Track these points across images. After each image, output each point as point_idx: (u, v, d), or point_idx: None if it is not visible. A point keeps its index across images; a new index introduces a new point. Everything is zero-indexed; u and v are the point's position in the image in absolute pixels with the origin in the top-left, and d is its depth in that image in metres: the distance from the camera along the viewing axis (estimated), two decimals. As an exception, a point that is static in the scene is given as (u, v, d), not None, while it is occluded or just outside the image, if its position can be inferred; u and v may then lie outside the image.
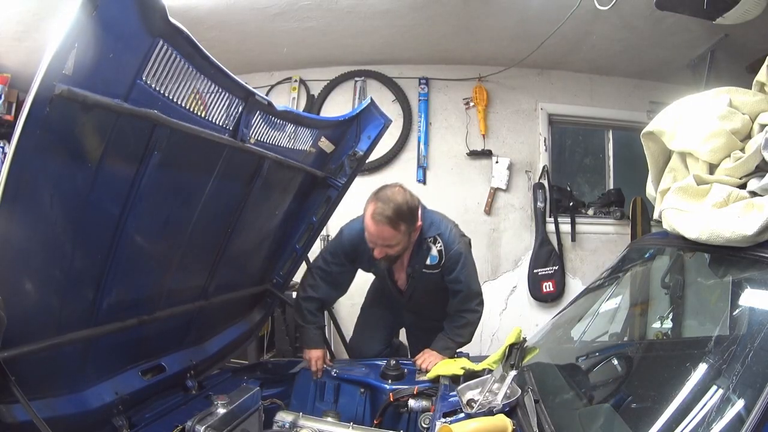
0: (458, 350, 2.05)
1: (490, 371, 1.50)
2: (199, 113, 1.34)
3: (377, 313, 2.39)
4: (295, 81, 3.81)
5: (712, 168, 1.32)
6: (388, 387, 1.81)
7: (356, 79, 3.78)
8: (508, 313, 3.74)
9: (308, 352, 1.99)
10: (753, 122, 1.30)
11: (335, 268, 2.04)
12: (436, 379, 1.73)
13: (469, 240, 2.17)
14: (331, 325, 3.25)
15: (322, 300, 2.09)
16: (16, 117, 3.30)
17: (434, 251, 1.95)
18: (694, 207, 1.27)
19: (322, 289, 2.06)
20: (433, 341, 2.02)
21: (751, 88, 1.40)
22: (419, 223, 1.88)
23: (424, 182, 3.75)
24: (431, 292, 2.09)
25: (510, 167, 3.75)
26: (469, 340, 2.06)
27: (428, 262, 1.97)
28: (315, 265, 2.09)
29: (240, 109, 1.46)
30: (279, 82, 3.83)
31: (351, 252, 2.01)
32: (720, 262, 1.26)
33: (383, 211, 1.74)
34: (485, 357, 1.69)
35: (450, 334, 2.02)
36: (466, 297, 2.01)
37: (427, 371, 1.84)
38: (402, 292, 2.14)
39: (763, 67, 1.34)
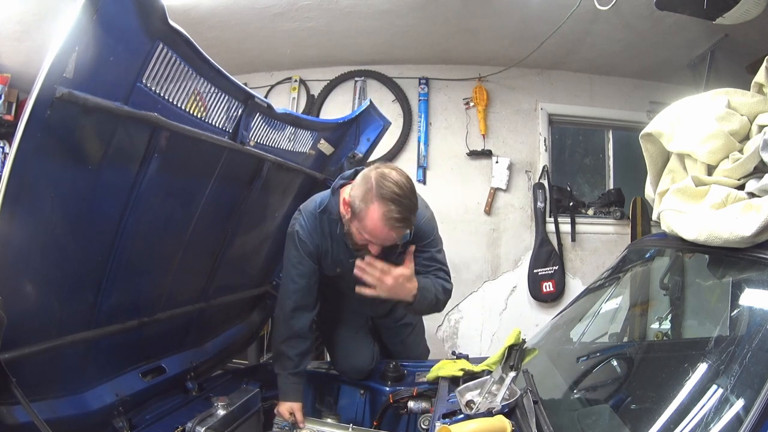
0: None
1: (490, 372, 1.50)
2: (199, 115, 1.34)
3: (351, 324, 2.03)
4: (295, 81, 3.81)
5: (710, 169, 1.32)
6: (387, 389, 1.82)
7: (356, 79, 3.77)
8: (508, 313, 3.74)
9: (282, 404, 1.64)
10: (751, 123, 1.30)
11: (306, 281, 1.69)
12: (436, 381, 1.73)
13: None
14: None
15: (307, 333, 1.72)
16: (16, 117, 3.31)
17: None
18: (693, 208, 1.27)
19: (304, 317, 1.69)
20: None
21: (750, 89, 1.40)
22: None
23: (424, 182, 3.74)
24: None
25: (510, 167, 3.75)
26: (427, 312, 1.77)
27: (399, 241, 1.65)
28: (285, 297, 1.70)
29: (240, 111, 1.47)
30: (279, 82, 3.83)
31: (315, 252, 1.69)
32: (718, 263, 1.26)
33: (402, 214, 1.42)
34: (485, 358, 1.69)
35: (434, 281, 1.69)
36: (438, 271, 1.72)
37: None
38: None
39: (762, 68, 1.34)
